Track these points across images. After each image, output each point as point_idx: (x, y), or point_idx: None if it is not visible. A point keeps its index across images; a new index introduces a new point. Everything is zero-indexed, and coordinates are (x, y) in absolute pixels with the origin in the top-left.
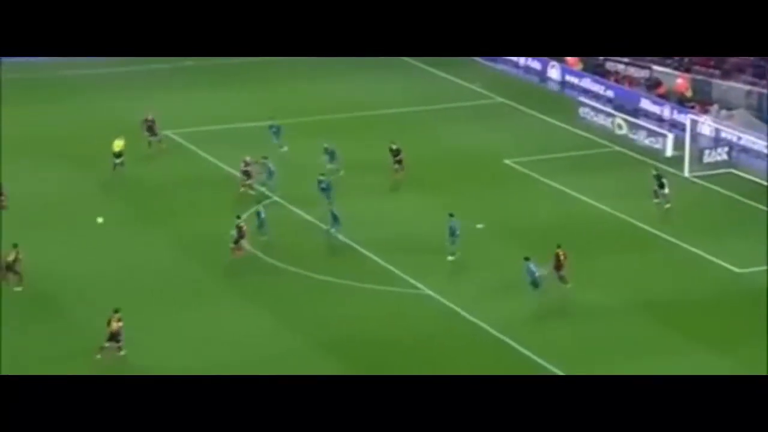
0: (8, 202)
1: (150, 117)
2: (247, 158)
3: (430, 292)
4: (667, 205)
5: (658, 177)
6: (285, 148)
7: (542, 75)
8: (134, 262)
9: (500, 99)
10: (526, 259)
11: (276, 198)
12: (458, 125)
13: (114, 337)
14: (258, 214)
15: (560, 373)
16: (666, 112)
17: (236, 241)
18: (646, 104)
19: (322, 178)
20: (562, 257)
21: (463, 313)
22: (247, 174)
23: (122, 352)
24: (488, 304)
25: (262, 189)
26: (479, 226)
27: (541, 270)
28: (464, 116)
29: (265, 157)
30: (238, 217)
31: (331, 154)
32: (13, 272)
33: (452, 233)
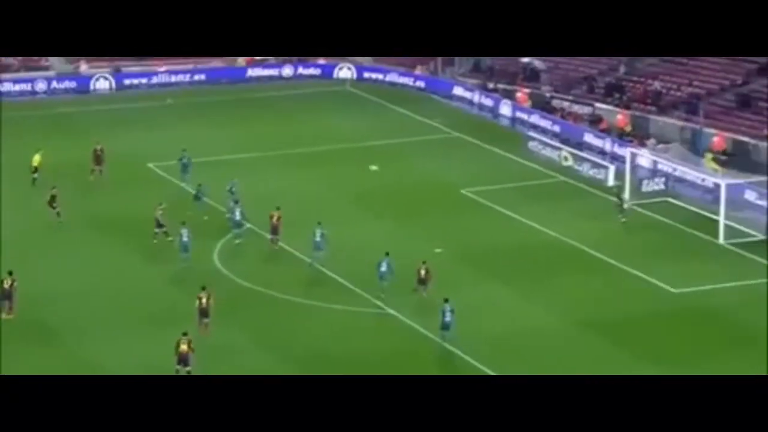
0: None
1: (99, 147)
2: (163, 204)
3: (392, 311)
4: (624, 220)
5: (618, 195)
6: (183, 184)
7: (495, 111)
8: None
9: (457, 134)
10: (446, 300)
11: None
12: (419, 158)
13: None
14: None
15: None
16: (607, 145)
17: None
18: (589, 138)
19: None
20: (423, 273)
21: (425, 331)
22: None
23: None
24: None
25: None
26: (438, 250)
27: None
28: (424, 149)
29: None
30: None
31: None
32: (9, 300)
33: (381, 275)
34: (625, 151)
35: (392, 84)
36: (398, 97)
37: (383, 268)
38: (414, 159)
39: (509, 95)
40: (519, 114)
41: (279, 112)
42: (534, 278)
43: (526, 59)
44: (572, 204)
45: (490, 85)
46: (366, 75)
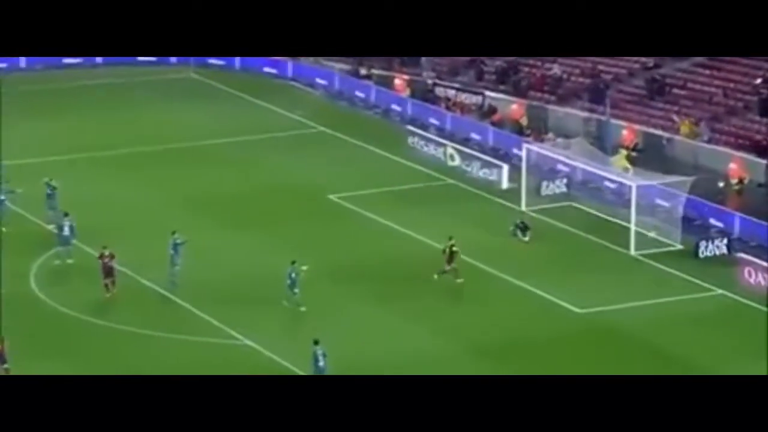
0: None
1: None
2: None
3: (252, 343)
4: (526, 238)
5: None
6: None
7: (367, 102)
8: None
9: (322, 128)
10: (316, 343)
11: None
12: (279, 157)
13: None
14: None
15: None
16: (500, 141)
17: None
18: (478, 133)
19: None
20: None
21: (290, 366)
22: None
23: None
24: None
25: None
26: (303, 268)
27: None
28: (284, 147)
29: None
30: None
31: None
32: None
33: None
34: (521, 148)
35: (244, 70)
36: (251, 85)
37: (293, 274)
38: (270, 159)
39: (385, 82)
40: (395, 105)
41: (101, 105)
42: (415, 296)
43: None
44: (459, 209)
45: (362, 71)
46: (212, 60)
